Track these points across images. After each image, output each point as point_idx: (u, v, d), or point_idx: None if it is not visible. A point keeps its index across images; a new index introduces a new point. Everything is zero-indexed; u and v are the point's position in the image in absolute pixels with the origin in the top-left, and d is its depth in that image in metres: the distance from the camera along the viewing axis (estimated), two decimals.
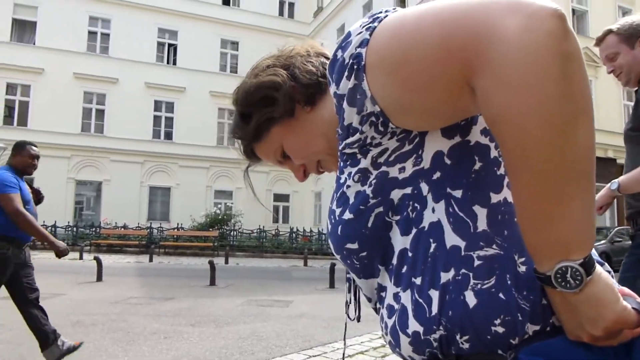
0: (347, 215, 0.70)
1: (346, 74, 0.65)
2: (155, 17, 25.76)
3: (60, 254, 3.64)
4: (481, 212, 0.64)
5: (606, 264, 0.65)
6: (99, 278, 9.49)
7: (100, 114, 24.66)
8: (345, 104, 0.67)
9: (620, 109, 22.13)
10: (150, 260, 15.23)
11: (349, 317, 0.89)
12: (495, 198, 0.64)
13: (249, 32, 27.28)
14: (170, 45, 26.54)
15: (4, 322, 5.06)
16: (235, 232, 20.97)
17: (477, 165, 0.65)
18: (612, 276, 0.64)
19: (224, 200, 25.63)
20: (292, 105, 0.81)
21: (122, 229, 20.55)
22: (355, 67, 0.64)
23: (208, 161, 25.73)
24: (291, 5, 29.77)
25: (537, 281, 0.58)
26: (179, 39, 26.35)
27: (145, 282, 9.78)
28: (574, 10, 21.71)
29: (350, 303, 0.89)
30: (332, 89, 0.69)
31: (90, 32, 24.85)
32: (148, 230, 20.32)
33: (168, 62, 26.52)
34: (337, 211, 0.72)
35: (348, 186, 0.70)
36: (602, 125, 21.34)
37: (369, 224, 0.68)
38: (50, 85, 22.97)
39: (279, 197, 27.21)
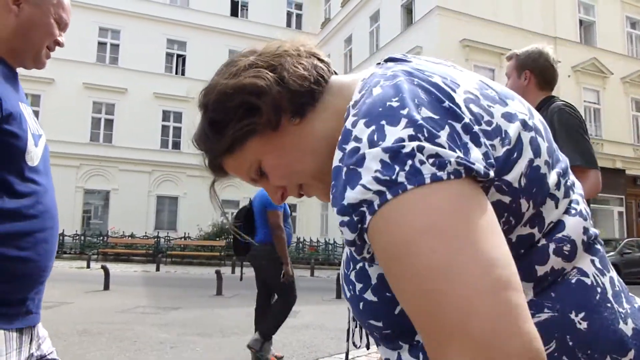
0: (370, 296, 0.63)
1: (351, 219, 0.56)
2: (164, 28, 26.03)
3: (288, 276, 4.20)
4: (527, 286, 0.58)
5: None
6: (106, 287, 9.51)
7: (109, 123, 24.88)
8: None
9: (629, 119, 21.98)
10: (157, 269, 15.24)
11: (354, 345, 0.83)
12: (541, 270, 0.59)
13: (257, 43, 27.28)
14: (178, 55, 26.79)
15: None
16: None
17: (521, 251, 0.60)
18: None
19: (231, 209, 25.63)
20: (278, 116, 0.68)
21: (130, 238, 20.61)
22: (358, 225, 0.55)
23: None
24: (299, 16, 30.00)
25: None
26: (188, 49, 26.60)
27: (152, 291, 9.78)
28: (581, 21, 21.71)
29: (355, 329, 0.82)
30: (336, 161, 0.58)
31: (100, 43, 25.16)
32: (155, 239, 20.38)
33: (176, 73, 26.76)
34: (358, 286, 0.65)
35: (370, 265, 0.64)
36: (610, 136, 21.23)
37: (396, 311, 0.61)
38: (60, 95, 23.23)
39: None
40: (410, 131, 0.52)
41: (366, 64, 23.46)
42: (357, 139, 0.55)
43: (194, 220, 22.81)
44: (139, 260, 18.98)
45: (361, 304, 0.65)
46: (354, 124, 0.56)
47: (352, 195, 0.53)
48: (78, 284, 9.97)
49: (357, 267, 0.66)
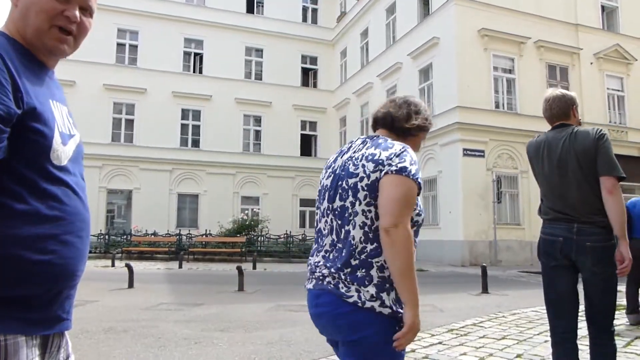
0: None
1: None
2: (182, 27, 26.23)
3: None
4: None
5: None
6: (130, 285, 9.67)
7: (130, 123, 25.21)
8: None
9: None
10: (180, 266, 15.43)
11: None
12: None
13: (273, 39, 27.52)
14: (196, 54, 26.98)
15: None
16: (262, 238, 21.09)
17: None
18: None
19: (250, 206, 25.84)
20: None
21: (152, 236, 20.89)
22: None
23: (235, 167, 25.99)
24: (314, 11, 29.91)
25: None
26: (205, 48, 26.76)
27: (175, 288, 9.91)
28: (603, 7, 21.19)
29: None
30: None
31: (118, 44, 25.47)
32: (177, 237, 20.62)
33: (194, 71, 26.95)
34: None
35: None
36: (635, 124, 20.74)
37: None
38: (81, 97, 23.58)
39: (305, 202, 27.27)
40: None
41: (383, 56, 23.30)
42: None
43: (215, 217, 23.03)
44: (161, 257, 19.24)
45: None
46: None
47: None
48: (103, 283, 10.15)
49: None
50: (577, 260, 2.74)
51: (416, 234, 1.68)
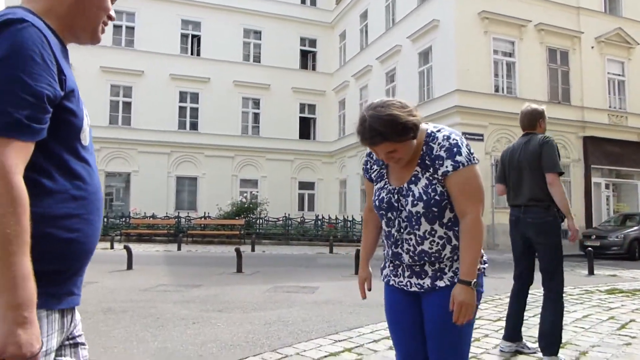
0: None
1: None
2: (179, 8, 25.93)
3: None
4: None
5: None
6: (129, 266, 9.72)
7: (127, 106, 25.07)
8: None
9: None
10: (179, 248, 15.49)
11: None
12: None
13: (271, 21, 27.24)
14: (193, 36, 26.72)
15: None
16: (261, 220, 21.15)
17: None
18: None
19: (249, 188, 25.86)
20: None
21: (151, 219, 20.93)
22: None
23: (233, 150, 25.94)
24: None
25: None
26: (202, 29, 26.49)
27: (174, 270, 9.96)
28: None
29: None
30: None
31: (115, 26, 25.17)
32: (176, 219, 20.66)
33: (192, 53, 26.72)
34: None
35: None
36: (635, 109, 20.65)
37: None
38: (78, 80, 22.36)
39: (304, 185, 27.31)
40: None
41: (382, 39, 23.11)
42: None
43: (214, 199, 23.05)
44: (160, 240, 19.31)
45: None
46: None
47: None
48: (102, 265, 10.19)
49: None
50: (526, 233, 3.71)
51: (380, 216, 1.96)
